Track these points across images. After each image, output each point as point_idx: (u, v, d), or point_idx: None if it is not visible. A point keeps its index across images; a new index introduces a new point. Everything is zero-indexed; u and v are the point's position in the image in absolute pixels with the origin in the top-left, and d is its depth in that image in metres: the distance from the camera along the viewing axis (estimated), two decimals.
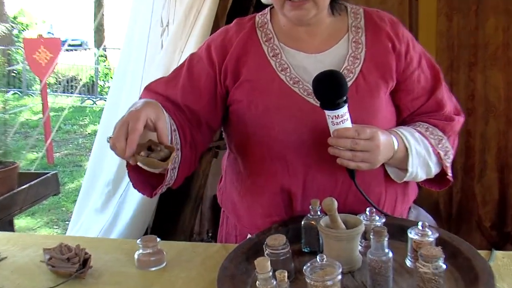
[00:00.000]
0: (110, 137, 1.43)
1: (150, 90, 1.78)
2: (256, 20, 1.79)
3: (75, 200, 5.73)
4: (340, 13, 1.75)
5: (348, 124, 1.52)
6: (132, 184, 1.66)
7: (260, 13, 1.82)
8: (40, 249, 1.70)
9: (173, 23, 3.22)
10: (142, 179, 1.64)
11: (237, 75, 1.71)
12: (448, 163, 1.75)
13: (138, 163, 1.45)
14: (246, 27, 1.77)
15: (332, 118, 1.51)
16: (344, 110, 1.50)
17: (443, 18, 3.64)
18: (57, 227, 5.22)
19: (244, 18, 1.83)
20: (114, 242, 2.08)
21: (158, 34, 3.33)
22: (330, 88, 1.50)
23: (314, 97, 1.58)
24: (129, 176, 1.66)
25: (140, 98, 1.75)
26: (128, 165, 1.60)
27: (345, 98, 1.50)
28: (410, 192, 1.82)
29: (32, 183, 3.00)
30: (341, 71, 1.64)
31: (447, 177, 1.77)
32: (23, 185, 2.98)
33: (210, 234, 3.46)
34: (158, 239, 1.60)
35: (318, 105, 1.55)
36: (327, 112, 1.52)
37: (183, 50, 3.12)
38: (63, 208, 5.91)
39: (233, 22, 1.83)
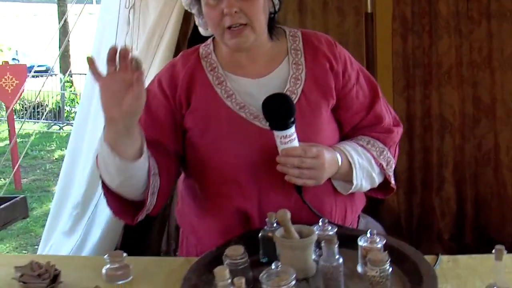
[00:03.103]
0: None
1: None
2: (200, 52, 1.86)
3: (44, 225, 5.72)
4: (279, 38, 1.83)
5: (295, 143, 1.61)
6: (113, 213, 1.73)
7: (204, 44, 1.89)
8: (11, 268, 1.72)
9: (137, 49, 3.28)
10: (121, 206, 1.71)
11: (188, 104, 1.79)
12: (390, 173, 1.85)
13: None
14: (191, 59, 1.84)
15: (281, 138, 1.60)
16: (292, 130, 1.60)
17: (398, 39, 3.75)
18: (26, 251, 5.21)
19: (188, 51, 1.90)
20: (83, 259, 2.15)
21: None
22: (278, 110, 1.59)
23: (260, 120, 1.68)
24: (108, 205, 1.72)
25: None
26: (106, 193, 1.68)
27: (292, 119, 1.59)
28: (357, 201, 1.91)
29: (1, 207, 3.03)
30: (284, 92, 1.72)
31: (391, 185, 1.87)
32: None
33: (177, 253, 3.51)
34: (125, 254, 1.65)
35: (265, 127, 1.65)
36: (276, 133, 1.61)
37: (146, 75, 3.18)
38: (32, 233, 5.89)
39: (179, 55, 1.91)
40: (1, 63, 8.92)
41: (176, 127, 1.81)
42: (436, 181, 3.82)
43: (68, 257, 2.56)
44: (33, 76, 8.50)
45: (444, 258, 1.62)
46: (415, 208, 3.88)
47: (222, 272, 1.31)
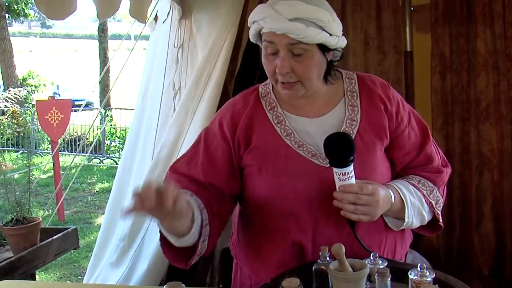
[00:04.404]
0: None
1: (175, 171, 1.93)
2: (260, 91, 1.95)
3: (87, 256, 5.86)
4: (335, 80, 1.90)
5: (353, 180, 1.69)
6: (168, 259, 1.85)
7: (263, 84, 1.98)
8: None
9: (185, 87, 3.40)
10: (174, 254, 1.82)
11: (248, 142, 1.86)
12: (439, 211, 1.92)
13: None
14: (251, 99, 1.92)
15: (340, 175, 1.69)
16: (351, 168, 1.68)
17: (437, 76, 3.77)
18: (70, 282, 5.31)
19: (248, 90, 1.98)
20: None
21: (170, 97, 3.51)
22: (340, 148, 1.67)
23: (318, 158, 1.77)
24: (164, 254, 1.84)
25: (166, 178, 1.93)
26: (162, 243, 1.80)
27: (352, 157, 1.67)
28: (406, 237, 1.98)
29: (54, 237, 3.12)
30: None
31: (439, 223, 1.94)
32: (44, 240, 3.11)
33: (221, 286, 3.57)
34: (183, 285, 1.75)
35: (322, 164, 1.75)
36: (335, 170, 1.69)
37: (194, 112, 3.29)
38: (75, 264, 6.01)
39: (239, 95, 1.98)
40: (46, 98, 9.17)
41: (232, 169, 1.89)
42: (475, 217, 3.79)
43: (121, 287, 2.62)
44: (74, 110, 8.69)
45: None
46: (454, 244, 3.86)
47: None
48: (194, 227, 1.71)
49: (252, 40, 1.87)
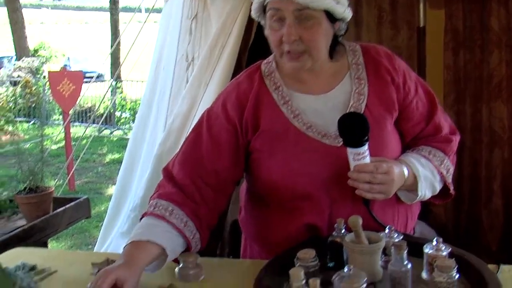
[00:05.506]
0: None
1: (167, 175, 1.84)
2: (262, 70, 1.87)
3: (97, 226, 5.91)
4: (339, 54, 1.84)
5: (367, 159, 1.65)
6: None
7: (265, 61, 1.90)
8: (85, 265, 1.84)
9: (198, 58, 3.38)
10: None
11: (256, 125, 1.80)
12: (450, 180, 1.90)
13: None
14: (255, 78, 1.85)
15: (354, 155, 1.65)
16: (365, 147, 1.64)
17: (449, 53, 3.74)
18: (81, 250, 5.35)
19: (251, 69, 1.91)
20: None
21: (183, 68, 3.49)
22: (354, 128, 1.63)
23: (328, 137, 1.73)
24: None
25: (167, 169, 1.86)
26: None
27: (367, 137, 1.63)
28: (414, 209, 1.96)
29: (67, 206, 3.15)
30: (348, 108, 1.76)
31: (450, 191, 1.92)
32: (56, 209, 3.14)
33: (231, 257, 3.58)
34: (197, 255, 1.76)
35: (334, 144, 1.72)
36: (349, 150, 1.65)
37: (208, 84, 3.28)
38: (86, 233, 6.07)
39: (243, 75, 1.91)
40: (57, 69, 9.19)
41: (236, 151, 1.83)
42: (484, 193, 3.79)
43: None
44: (84, 82, 8.70)
45: (505, 267, 1.67)
46: (462, 220, 3.85)
47: (298, 273, 1.37)
48: (170, 256, 1.69)
49: (254, 16, 1.82)
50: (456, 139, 1.95)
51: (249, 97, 1.82)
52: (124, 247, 1.66)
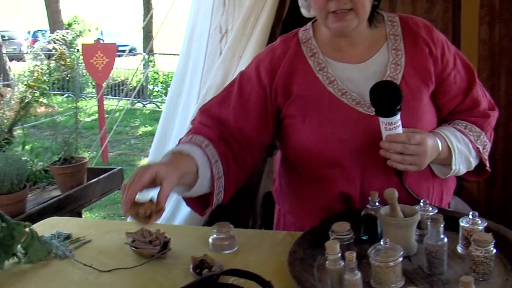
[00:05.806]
0: None
1: (205, 112, 1.88)
2: (300, 36, 1.87)
3: None
4: (377, 23, 1.82)
5: (399, 130, 1.64)
6: (185, 202, 1.83)
7: (303, 28, 1.90)
8: (120, 234, 1.86)
9: (232, 30, 3.36)
10: (189, 200, 1.81)
11: (288, 92, 1.80)
12: (486, 156, 1.86)
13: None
14: (291, 45, 1.85)
15: (386, 125, 1.63)
16: (398, 117, 1.62)
17: (485, 27, 3.66)
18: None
19: (288, 36, 1.91)
20: (190, 229, 2.20)
21: (217, 40, 3.47)
22: (386, 97, 1.61)
23: (362, 105, 1.71)
24: (182, 198, 1.81)
25: (195, 120, 1.88)
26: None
27: (399, 106, 1.61)
28: (450, 184, 1.93)
29: (101, 177, 3.19)
30: (385, 78, 1.74)
31: (486, 168, 1.89)
32: (91, 180, 3.18)
33: (262, 229, 3.60)
34: (231, 225, 1.76)
35: (367, 112, 1.69)
36: (381, 119, 1.63)
37: (241, 56, 3.26)
38: (119, 205, 6.12)
39: (278, 40, 1.92)
40: (91, 42, 9.25)
41: (265, 115, 1.84)
42: None
43: (174, 226, 2.66)
44: (117, 56, 8.74)
45: None
46: (495, 197, 3.80)
47: (334, 246, 1.36)
48: (199, 182, 1.67)
49: None
50: (495, 114, 1.91)
51: (282, 63, 1.82)
52: (164, 156, 1.67)
